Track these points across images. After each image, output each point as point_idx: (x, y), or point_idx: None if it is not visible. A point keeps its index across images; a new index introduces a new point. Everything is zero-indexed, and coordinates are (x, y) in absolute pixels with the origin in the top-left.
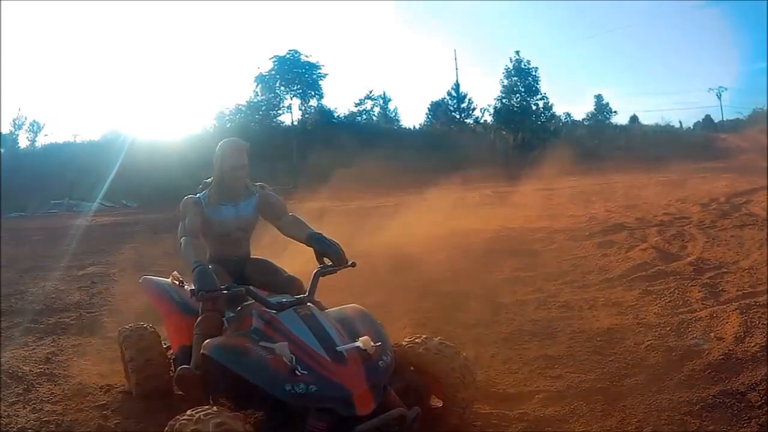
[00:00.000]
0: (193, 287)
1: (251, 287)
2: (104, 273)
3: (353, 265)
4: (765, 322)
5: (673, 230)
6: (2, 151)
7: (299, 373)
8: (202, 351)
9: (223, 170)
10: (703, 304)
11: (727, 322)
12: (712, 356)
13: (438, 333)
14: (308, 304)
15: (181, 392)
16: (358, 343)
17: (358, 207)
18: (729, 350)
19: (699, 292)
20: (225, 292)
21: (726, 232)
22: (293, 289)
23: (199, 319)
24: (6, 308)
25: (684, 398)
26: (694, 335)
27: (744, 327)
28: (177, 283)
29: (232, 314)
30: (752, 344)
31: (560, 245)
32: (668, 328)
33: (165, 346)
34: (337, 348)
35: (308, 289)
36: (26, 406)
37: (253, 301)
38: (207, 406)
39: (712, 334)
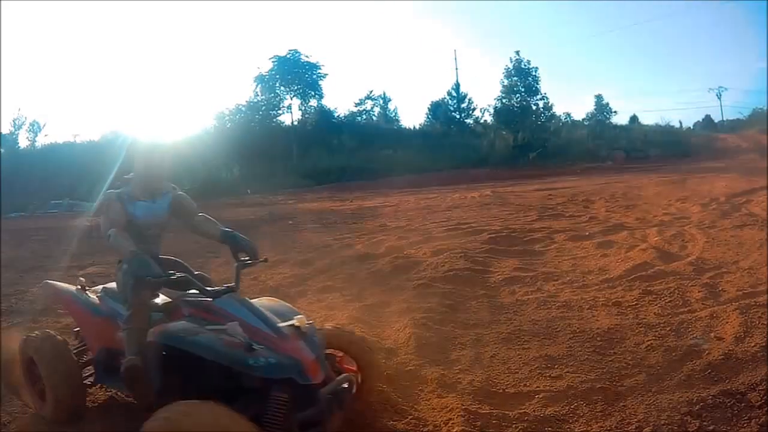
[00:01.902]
0: (126, 275)
1: (189, 276)
2: (104, 273)
3: (265, 260)
4: (765, 322)
5: (673, 230)
6: (2, 151)
7: (256, 348)
8: (148, 338)
9: (143, 171)
10: (703, 304)
11: (727, 322)
12: (712, 356)
13: (438, 333)
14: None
15: (127, 387)
16: (294, 321)
17: (358, 207)
18: (729, 350)
19: (699, 292)
20: (172, 279)
21: (726, 232)
22: (205, 285)
23: (128, 314)
24: (6, 308)
25: (684, 398)
26: (694, 335)
27: (744, 327)
28: (80, 287)
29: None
30: (752, 344)
31: (560, 245)
32: (668, 328)
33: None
34: (279, 325)
35: (234, 280)
36: (27, 406)
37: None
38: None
39: (712, 334)
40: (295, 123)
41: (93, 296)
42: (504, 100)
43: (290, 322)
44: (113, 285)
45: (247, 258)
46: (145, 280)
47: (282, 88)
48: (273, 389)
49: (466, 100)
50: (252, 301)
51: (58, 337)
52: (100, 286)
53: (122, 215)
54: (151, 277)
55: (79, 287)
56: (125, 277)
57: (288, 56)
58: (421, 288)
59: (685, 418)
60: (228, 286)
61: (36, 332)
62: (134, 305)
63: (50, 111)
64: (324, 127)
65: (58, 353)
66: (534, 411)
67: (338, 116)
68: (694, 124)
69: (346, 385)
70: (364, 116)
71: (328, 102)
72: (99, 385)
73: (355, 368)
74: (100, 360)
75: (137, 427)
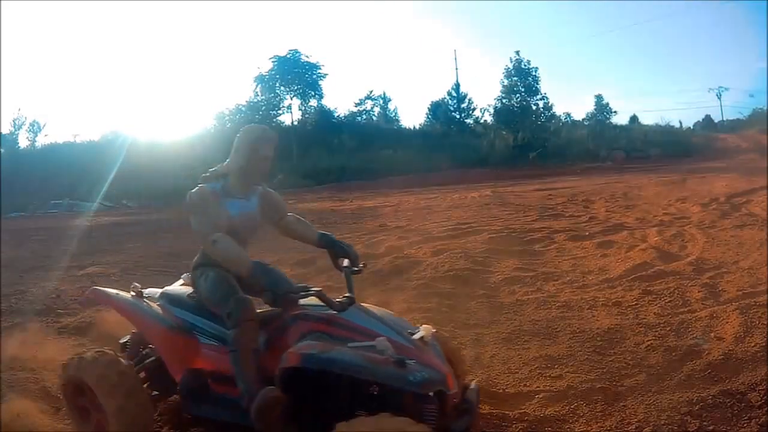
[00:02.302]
0: (217, 287)
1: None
2: (104, 273)
3: (365, 265)
4: (765, 322)
5: (673, 230)
6: (2, 151)
7: (408, 363)
8: (285, 364)
9: (252, 160)
10: (703, 304)
11: (727, 322)
12: (712, 356)
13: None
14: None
15: (258, 421)
16: (422, 332)
17: (358, 207)
18: (729, 350)
19: (699, 292)
20: (312, 291)
21: (726, 232)
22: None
23: (236, 333)
24: (6, 308)
25: (684, 398)
26: (694, 335)
27: (744, 327)
28: (136, 294)
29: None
30: (752, 344)
31: (560, 245)
32: (668, 328)
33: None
34: (413, 337)
35: (349, 289)
36: (27, 406)
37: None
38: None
39: (712, 334)
40: (295, 123)
41: (154, 305)
42: (504, 100)
43: (419, 334)
44: (174, 290)
45: (352, 265)
46: (287, 296)
47: (282, 88)
48: (418, 401)
49: (466, 100)
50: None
51: (122, 359)
52: (154, 291)
53: (223, 215)
54: (292, 291)
55: (134, 294)
56: (219, 288)
57: (288, 56)
58: (421, 288)
59: (685, 418)
60: (348, 297)
61: (92, 353)
62: (243, 323)
63: (50, 111)
64: (324, 127)
65: (128, 384)
66: (534, 411)
67: (338, 116)
68: (694, 124)
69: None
70: (364, 116)
71: (328, 102)
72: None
73: None
74: (189, 385)
75: None
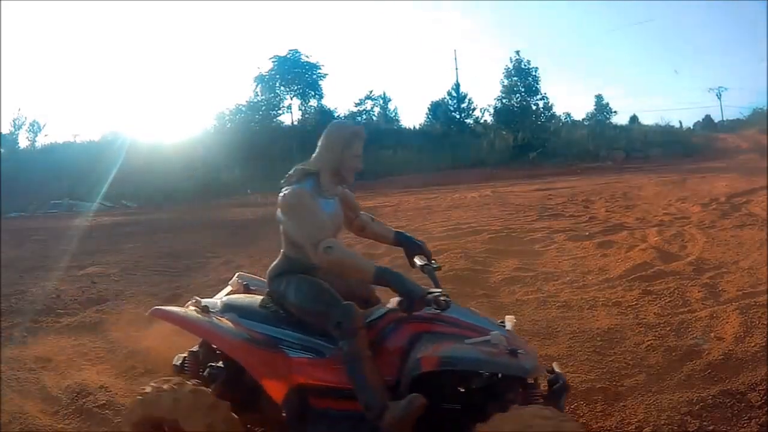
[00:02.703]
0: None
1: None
2: (104, 273)
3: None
4: (765, 322)
5: (673, 230)
6: (2, 151)
7: (519, 353)
8: (419, 369)
9: (345, 157)
10: (703, 304)
11: (727, 322)
12: (712, 356)
13: None
14: None
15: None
16: (508, 324)
17: None
18: (729, 350)
19: (699, 292)
20: (444, 293)
21: (726, 232)
22: (374, 299)
23: (350, 342)
24: (6, 308)
25: (684, 398)
26: (694, 335)
27: (744, 327)
28: (199, 309)
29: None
30: (752, 344)
31: (560, 245)
32: (668, 328)
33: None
34: (506, 329)
35: (436, 285)
36: (27, 406)
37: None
38: None
39: (712, 334)
40: (295, 123)
41: (224, 320)
42: (504, 100)
43: (508, 324)
44: (239, 301)
45: (429, 262)
46: (424, 299)
47: (282, 88)
48: (528, 388)
49: (466, 100)
50: None
51: (208, 391)
52: (213, 302)
53: (324, 217)
54: (427, 294)
55: (196, 309)
56: (319, 296)
57: (288, 56)
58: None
59: (685, 418)
60: (443, 293)
61: (170, 385)
62: (357, 331)
63: (50, 111)
64: (324, 127)
65: (221, 415)
66: None
67: (338, 116)
68: (694, 124)
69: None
70: (364, 116)
71: (328, 102)
72: None
73: None
74: (295, 406)
75: None
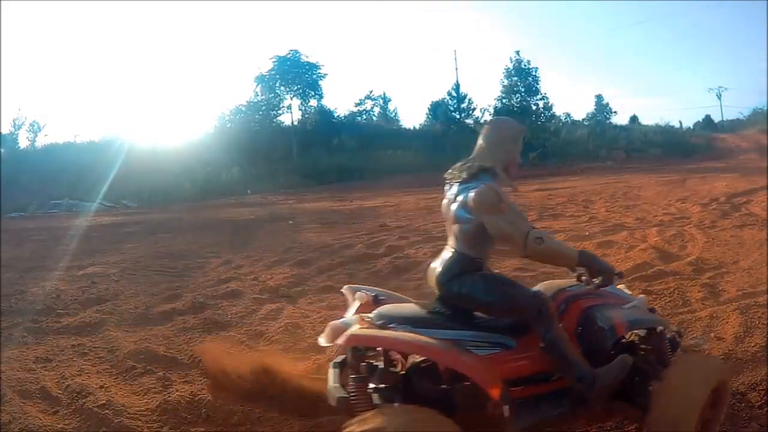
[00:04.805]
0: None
1: None
2: (104, 273)
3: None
4: (765, 322)
5: (673, 230)
6: (2, 151)
7: (656, 312)
8: (614, 337)
9: (514, 152)
10: (703, 304)
11: (727, 322)
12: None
13: None
14: None
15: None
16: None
17: (358, 207)
18: (729, 350)
19: (699, 292)
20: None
21: (726, 232)
22: None
23: (552, 326)
24: (6, 308)
25: None
26: (694, 335)
27: (744, 327)
28: (376, 325)
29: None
30: (752, 344)
31: None
32: None
33: None
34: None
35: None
36: (27, 406)
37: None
38: None
39: (712, 334)
40: (295, 123)
41: (403, 332)
42: (504, 100)
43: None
44: (405, 311)
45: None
46: (616, 274)
47: (282, 88)
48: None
49: (466, 100)
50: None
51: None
52: (372, 316)
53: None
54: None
55: (372, 325)
56: (512, 290)
57: (288, 56)
58: (421, 288)
59: None
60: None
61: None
62: (553, 314)
63: (50, 111)
64: (324, 127)
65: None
66: None
67: (338, 116)
68: (694, 124)
69: None
70: (364, 116)
71: (328, 102)
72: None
73: None
74: (511, 400)
75: None
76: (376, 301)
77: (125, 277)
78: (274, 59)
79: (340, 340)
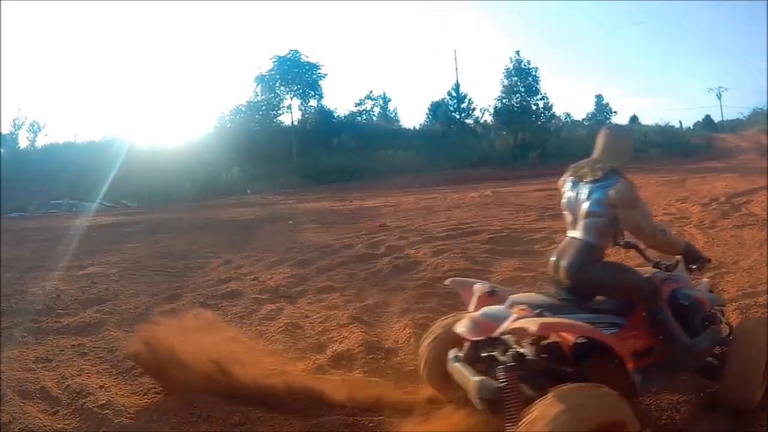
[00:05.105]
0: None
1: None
2: (104, 273)
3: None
4: None
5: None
6: (2, 151)
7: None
8: (703, 313)
9: (629, 158)
10: None
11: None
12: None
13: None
14: None
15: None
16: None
17: (358, 207)
18: None
19: None
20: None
21: (726, 232)
22: None
23: (663, 304)
24: (6, 308)
25: (684, 398)
26: None
27: None
28: (537, 311)
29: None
30: None
31: None
32: None
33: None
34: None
35: (644, 257)
36: (27, 406)
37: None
38: None
39: None
40: (295, 123)
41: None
42: (504, 100)
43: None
44: (530, 299)
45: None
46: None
47: (282, 88)
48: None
49: (466, 100)
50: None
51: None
52: (521, 305)
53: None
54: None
55: (531, 313)
56: (632, 276)
57: (288, 56)
58: (421, 288)
59: (686, 417)
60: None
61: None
62: (662, 296)
63: (50, 111)
64: (324, 127)
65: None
66: None
67: (338, 116)
68: (694, 124)
69: None
70: (364, 116)
71: (328, 102)
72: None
73: None
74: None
75: None
76: (491, 294)
77: (125, 277)
78: (274, 59)
79: (533, 328)
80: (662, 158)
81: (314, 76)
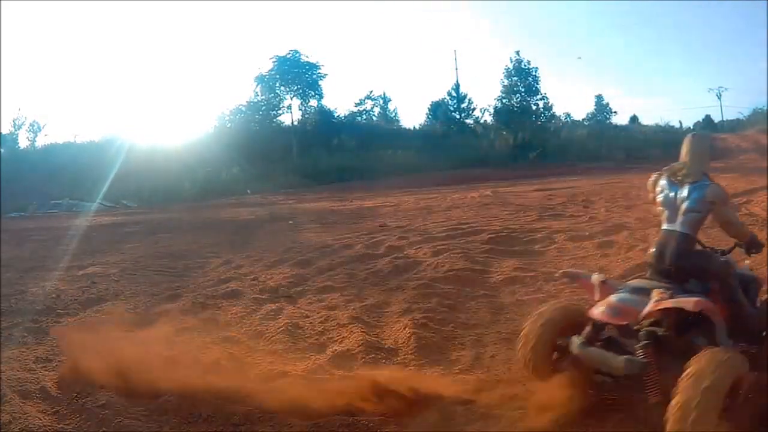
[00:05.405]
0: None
1: None
2: (104, 273)
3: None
4: None
5: None
6: (2, 151)
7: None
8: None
9: (709, 160)
10: None
11: None
12: None
13: (438, 333)
14: None
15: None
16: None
17: (358, 207)
18: None
19: None
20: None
21: None
22: None
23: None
24: (6, 308)
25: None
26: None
27: None
28: (601, 282)
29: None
30: None
31: (560, 245)
32: None
33: None
34: None
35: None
36: (27, 406)
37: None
38: None
39: None
40: (295, 123)
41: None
42: (504, 100)
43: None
44: (640, 285)
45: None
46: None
47: (282, 88)
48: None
49: (466, 100)
50: None
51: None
52: (631, 288)
53: None
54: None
55: (665, 295)
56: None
57: (288, 56)
58: (421, 288)
59: None
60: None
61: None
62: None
63: (50, 111)
64: (324, 127)
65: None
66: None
67: (338, 116)
68: (694, 124)
69: None
70: (364, 116)
71: (328, 102)
72: None
73: None
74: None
75: None
76: (604, 283)
77: (125, 277)
78: (274, 59)
79: (690, 306)
80: (662, 158)
81: (314, 76)
